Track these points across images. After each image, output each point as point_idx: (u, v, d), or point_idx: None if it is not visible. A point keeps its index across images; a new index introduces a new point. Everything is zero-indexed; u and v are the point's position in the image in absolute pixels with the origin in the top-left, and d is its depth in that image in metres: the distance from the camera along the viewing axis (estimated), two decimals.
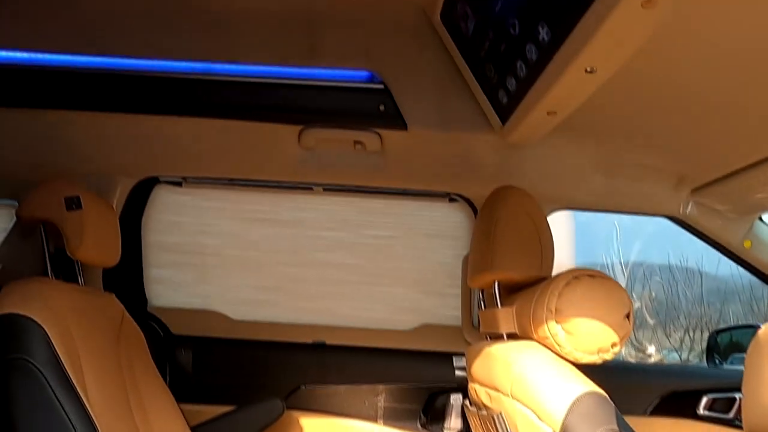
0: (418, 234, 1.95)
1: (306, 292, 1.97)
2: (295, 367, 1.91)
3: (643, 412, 1.87)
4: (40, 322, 1.18)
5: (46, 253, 1.49)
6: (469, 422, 1.55)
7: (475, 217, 1.82)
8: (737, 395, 1.82)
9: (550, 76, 1.11)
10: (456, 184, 1.81)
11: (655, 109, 1.36)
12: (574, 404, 1.00)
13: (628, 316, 1.17)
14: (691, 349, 6.20)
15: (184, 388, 1.81)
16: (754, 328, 1.41)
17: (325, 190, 1.90)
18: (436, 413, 1.90)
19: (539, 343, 1.23)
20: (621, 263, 6.37)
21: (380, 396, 1.91)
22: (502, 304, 1.40)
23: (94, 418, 1.20)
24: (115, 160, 1.73)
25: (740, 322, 5.60)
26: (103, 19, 1.50)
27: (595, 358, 1.16)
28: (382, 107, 1.55)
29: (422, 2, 1.47)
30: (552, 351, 1.19)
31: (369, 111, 1.55)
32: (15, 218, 1.79)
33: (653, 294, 6.34)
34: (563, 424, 0.98)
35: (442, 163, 1.69)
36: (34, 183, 1.53)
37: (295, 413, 1.86)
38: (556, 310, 1.15)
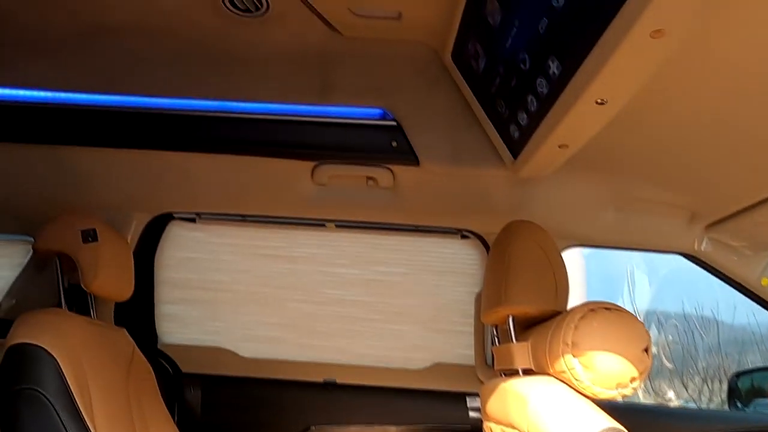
0: (430, 271, 1.95)
1: (317, 330, 1.95)
2: (305, 407, 1.88)
3: None
4: (52, 353, 1.18)
5: (61, 286, 1.51)
6: None
7: (487, 253, 1.81)
8: None
9: (561, 108, 1.12)
10: (468, 220, 1.82)
11: (666, 144, 1.37)
12: None
13: (646, 350, 1.14)
14: (710, 400, 6.01)
15: (193, 427, 1.79)
16: None
17: (337, 226, 1.91)
18: None
19: (556, 378, 1.20)
20: (634, 309, 6.28)
21: None
22: (516, 340, 1.38)
23: None
24: (131, 195, 1.76)
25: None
26: (120, 59, 1.55)
27: (613, 394, 1.13)
28: (394, 143, 1.57)
29: (433, 43, 1.51)
30: (569, 386, 1.17)
31: (381, 147, 1.58)
32: (30, 254, 1.81)
33: (670, 337, 6.21)
34: None
35: (454, 199, 1.70)
36: (51, 219, 1.55)
37: None
38: (572, 343, 1.13)
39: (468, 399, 1.84)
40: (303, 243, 1.95)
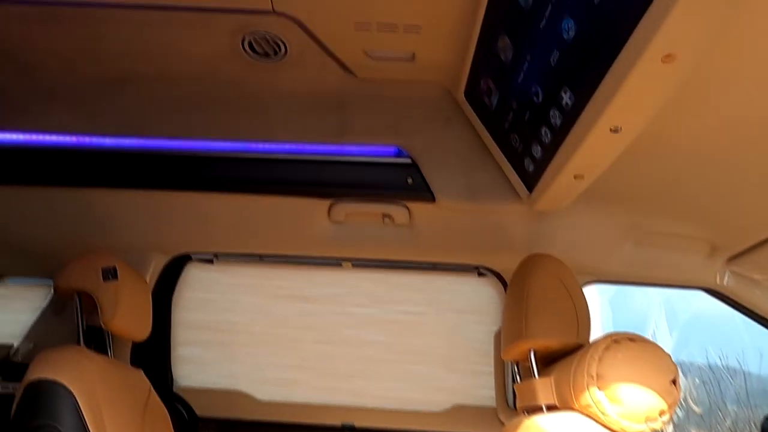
0: (447, 309, 1.93)
1: (335, 371, 1.92)
2: None
3: None
4: (70, 389, 1.18)
5: (80, 324, 1.51)
6: None
7: (505, 291, 1.80)
8: None
9: (575, 138, 1.13)
10: (485, 257, 1.81)
11: (683, 175, 1.37)
12: None
13: (674, 382, 1.11)
14: None
15: None
16: None
17: (353, 265, 1.91)
18: None
19: (581, 413, 1.17)
20: None
21: None
22: (539, 375, 1.34)
23: None
24: (150, 236, 1.78)
25: None
26: (142, 103, 1.61)
27: (642, 428, 1.09)
28: (409, 180, 1.59)
29: (446, 82, 1.55)
30: (596, 421, 1.13)
31: (397, 184, 1.60)
32: (49, 297, 1.83)
33: (694, 392, 5.98)
34: None
35: (471, 235, 1.70)
36: (67, 262, 1.57)
37: None
38: (597, 375, 1.11)
39: None
40: (320, 282, 1.95)
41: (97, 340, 1.56)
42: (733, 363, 5.81)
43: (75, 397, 1.16)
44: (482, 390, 1.87)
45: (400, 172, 1.59)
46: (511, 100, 1.33)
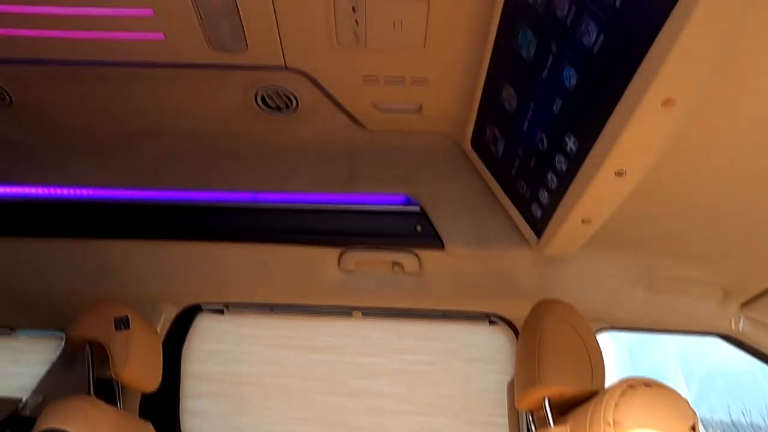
0: (459, 359, 1.90)
1: (345, 424, 1.88)
2: None
3: None
4: None
5: (91, 375, 1.50)
6: None
7: (517, 338, 1.78)
8: None
9: (581, 182, 1.16)
10: (495, 304, 1.80)
11: (692, 218, 1.37)
12: None
13: (693, 429, 1.09)
14: None
15: None
16: None
17: (364, 314, 1.90)
18: None
19: None
20: None
21: None
22: (554, 424, 1.32)
23: None
24: (162, 287, 1.79)
25: None
26: (158, 157, 1.66)
27: None
28: (419, 228, 1.61)
29: (453, 132, 1.59)
30: None
31: (407, 232, 1.62)
32: (60, 349, 1.83)
33: None
34: None
35: (481, 282, 1.70)
36: (77, 313, 1.57)
37: None
38: (614, 422, 1.09)
39: None
40: (330, 332, 1.94)
41: (107, 391, 1.55)
42: (757, 419, 5.59)
43: None
44: None
45: (409, 220, 1.62)
46: (517, 148, 1.36)
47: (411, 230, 1.61)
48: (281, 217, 1.64)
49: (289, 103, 1.47)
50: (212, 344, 1.95)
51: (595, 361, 1.31)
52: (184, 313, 1.88)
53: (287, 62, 1.33)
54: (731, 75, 0.92)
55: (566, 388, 1.29)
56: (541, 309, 1.43)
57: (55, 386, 1.74)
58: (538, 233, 1.47)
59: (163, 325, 1.83)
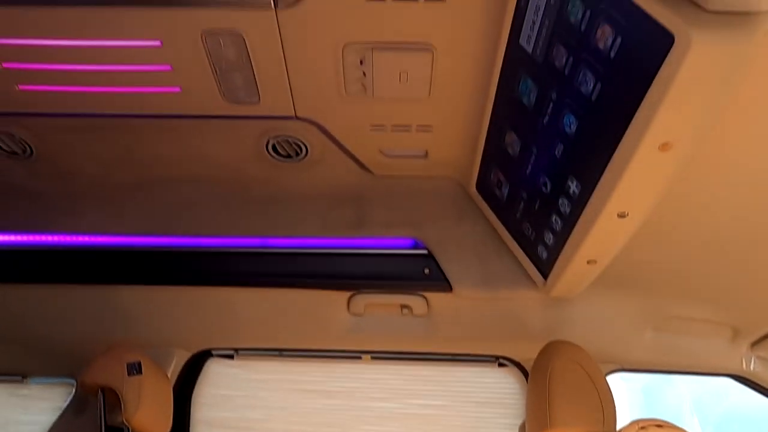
0: (468, 402, 1.89)
1: None
2: None
3: None
4: None
5: (102, 422, 1.50)
6: None
7: (527, 381, 1.77)
8: None
9: (585, 224, 1.18)
10: (504, 347, 1.80)
11: (698, 257, 1.39)
12: None
13: None
14: None
15: None
16: None
17: (373, 358, 1.90)
18: None
19: None
20: None
21: None
22: None
23: None
24: (173, 332, 1.81)
25: None
26: (171, 204, 1.69)
27: None
28: (427, 270, 1.63)
29: (458, 176, 1.64)
30: None
31: (414, 275, 1.64)
32: (70, 396, 1.83)
33: None
34: None
35: (489, 325, 1.71)
36: (89, 359, 1.58)
37: None
38: None
39: None
40: (339, 377, 1.94)
41: None
42: None
43: None
44: None
45: (417, 262, 1.64)
46: (521, 191, 1.40)
47: (419, 273, 1.63)
48: (291, 261, 1.67)
49: (299, 151, 1.52)
50: (222, 390, 1.95)
51: (605, 402, 1.31)
52: (195, 358, 1.89)
53: (297, 112, 1.38)
54: (731, 115, 0.95)
55: (578, 431, 1.28)
56: (550, 350, 1.44)
57: None
58: (545, 275, 1.49)
59: (173, 371, 1.83)
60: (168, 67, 1.24)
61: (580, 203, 1.17)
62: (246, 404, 1.94)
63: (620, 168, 1.00)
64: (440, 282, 1.62)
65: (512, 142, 1.33)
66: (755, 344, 1.68)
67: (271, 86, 1.29)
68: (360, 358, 1.90)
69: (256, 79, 1.27)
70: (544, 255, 1.43)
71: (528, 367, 1.76)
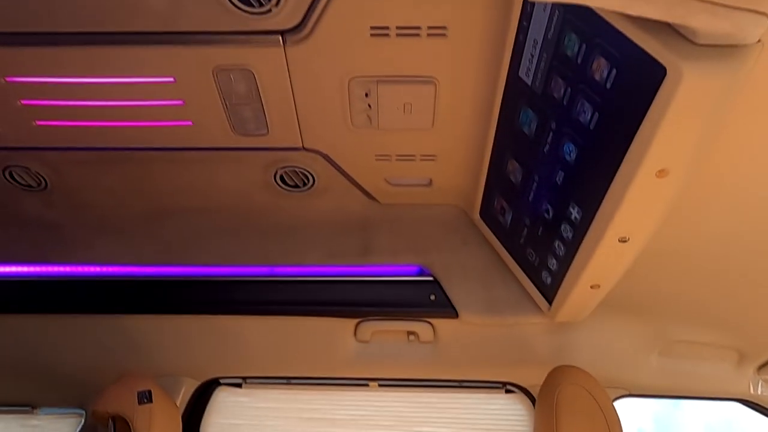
0: (476, 429, 1.88)
1: None
2: None
3: None
4: None
5: None
6: None
7: (534, 407, 1.77)
8: None
9: (587, 249, 1.21)
10: (511, 372, 1.81)
11: (701, 283, 1.41)
12: None
13: None
14: None
15: None
16: None
17: (380, 385, 1.91)
18: None
19: None
20: None
21: None
22: None
23: None
24: (182, 361, 1.82)
25: None
26: (181, 234, 1.72)
27: None
28: (432, 297, 1.65)
29: (462, 204, 1.67)
30: None
31: (420, 301, 1.66)
32: (79, 427, 1.84)
33: None
34: None
35: (495, 351, 1.72)
36: (98, 389, 1.60)
37: None
38: None
39: None
40: (346, 404, 1.94)
41: None
42: None
43: None
44: None
45: (423, 289, 1.66)
46: (524, 218, 1.43)
47: (425, 299, 1.65)
48: (298, 289, 1.69)
49: (306, 181, 1.56)
50: (230, 419, 1.95)
51: (613, 428, 1.31)
52: (203, 387, 1.90)
53: (305, 143, 1.42)
54: (729, 139, 0.99)
55: None
56: (557, 376, 1.45)
57: None
58: (549, 300, 1.51)
59: (182, 400, 1.84)
60: (181, 102, 1.29)
61: (581, 229, 1.19)
62: None
63: (619, 194, 1.03)
64: (446, 308, 1.64)
65: (514, 170, 1.37)
66: (761, 368, 1.68)
67: (280, 119, 1.33)
68: (367, 385, 1.91)
69: (265, 112, 1.31)
70: (548, 280, 1.45)
71: (535, 393, 1.76)
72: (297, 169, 1.52)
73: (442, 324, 1.68)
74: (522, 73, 1.15)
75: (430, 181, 1.57)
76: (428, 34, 1.12)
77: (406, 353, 1.75)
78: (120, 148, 1.44)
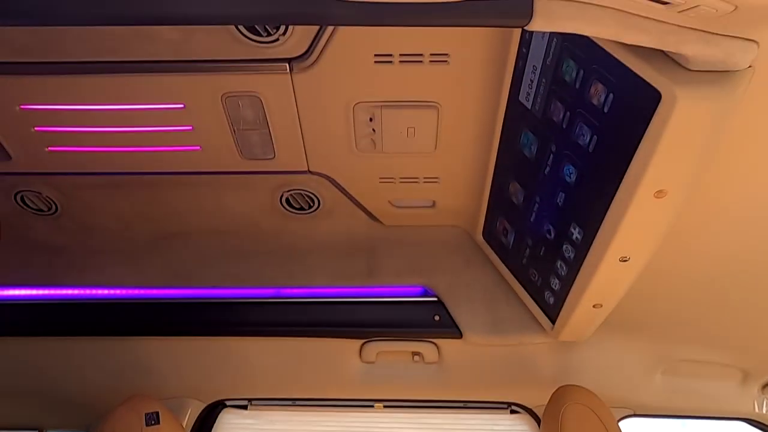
0: None
1: None
2: None
3: None
4: None
5: None
6: None
7: (539, 427, 1.77)
8: None
9: (588, 269, 1.23)
10: (515, 392, 1.81)
11: (703, 302, 1.42)
12: None
13: None
14: None
15: None
16: None
17: (385, 406, 1.91)
18: None
19: None
20: None
21: None
22: None
23: None
24: (188, 383, 1.82)
25: None
26: (189, 257, 1.75)
27: None
28: (437, 317, 1.66)
29: (465, 225, 1.69)
30: None
31: (425, 322, 1.67)
32: None
33: None
34: None
35: (500, 371, 1.72)
36: (105, 411, 1.60)
37: None
38: None
39: None
40: (351, 426, 1.93)
41: None
42: None
43: None
44: None
45: (427, 310, 1.68)
46: (526, 238, 1.45)
47: (429, 320, 1.67)
48: (303, 311, 1.71)
49: (311, 204, 1.59)
50: None
51: None
52: (209, 408, 1.90)
53: (311, 167, 1.45)
54: (729, 160, 1.01)
55: None
56: (561, 395, 1.46)
57: None
58: (553, 319, 1.52)
59: (188, 422, 1.84)
60: (190, 128, 1.33)
61: (583, 249, 1.21)
62: None
63: (619, 214, 1.05)
64: (450, 329, 1.65)
65: (516, 191, 1.39)
66: (766, 386, 1.68)
67: (286, 143, 1.36)
68: (372, 406, 1.91)
69: (272, 137, 1.34)
70: (551, 300, 1.47)
71: (540, 413, 1.76)
72: (303, 192, 1.55)
73: (447, 344, 1.69)
74: (522, 98, 1.19)
75: (434, 203, 1.60)
76: (431, 61, 1.16)
77: (411, 374, 1.76)
78: (130, 173, 1.48)
